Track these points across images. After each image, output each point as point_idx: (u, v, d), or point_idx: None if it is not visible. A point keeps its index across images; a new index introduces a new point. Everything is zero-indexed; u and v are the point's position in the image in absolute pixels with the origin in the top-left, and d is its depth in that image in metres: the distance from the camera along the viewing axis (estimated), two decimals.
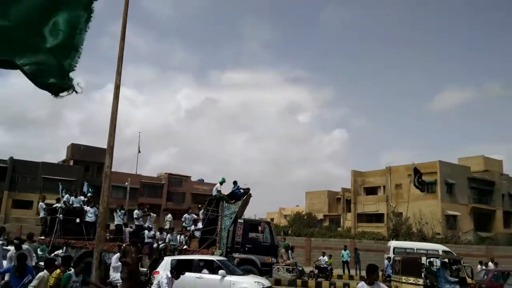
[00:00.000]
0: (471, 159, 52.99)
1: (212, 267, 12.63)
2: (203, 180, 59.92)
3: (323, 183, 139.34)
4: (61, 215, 16.11)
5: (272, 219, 62.13)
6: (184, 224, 17.80)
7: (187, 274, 11.93)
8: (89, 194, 18.45)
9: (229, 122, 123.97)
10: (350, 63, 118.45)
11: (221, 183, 16.82)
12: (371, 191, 53.79)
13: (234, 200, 16.31)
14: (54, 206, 16.77)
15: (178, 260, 14.97)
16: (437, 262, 13.45)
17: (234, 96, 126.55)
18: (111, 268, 10.89)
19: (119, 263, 10.81)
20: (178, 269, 8.35)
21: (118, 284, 10.50)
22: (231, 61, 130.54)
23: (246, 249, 15.90)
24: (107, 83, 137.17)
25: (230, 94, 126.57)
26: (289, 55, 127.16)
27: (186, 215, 18.15)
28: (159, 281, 7.80)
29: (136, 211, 17.49)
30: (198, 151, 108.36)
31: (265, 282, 12.60)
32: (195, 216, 17.44)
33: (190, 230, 16.92)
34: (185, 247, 15.86)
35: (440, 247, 28.10)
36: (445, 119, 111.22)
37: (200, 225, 16.55)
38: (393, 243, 27.91)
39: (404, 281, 12.22)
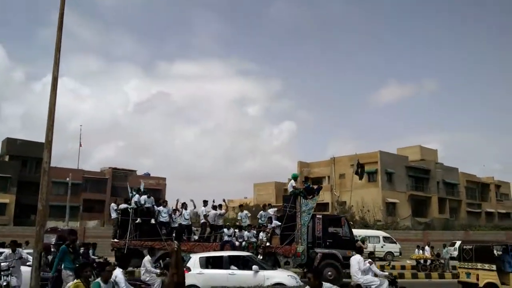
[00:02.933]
0: (409, 149, 55.80)
1: (240, 263, 12.49)
2: (149, 174, 58.70)
3: (272, 175, 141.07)
4: (138, 218, 15.97)
5: None
6: (259, 221, 17.43)
7: (218, 271, 11.95)
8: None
9: (178, 115, 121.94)
10: (298, 56, 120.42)
11: (295, 179, 16.45)
12: (317, 181, 55.21)
13: (312, 196, 16.27)
14: (124, 207, 16.32)
15: (131, 252, 14.71)
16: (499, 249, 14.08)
17: (183, 89, 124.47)
18: None
19: None
20: (124, 259, 8.11)
21: None
22: (180, 52, 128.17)
23: (327, 243, 15.92)
24: (47, 74, 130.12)
25: (179, 86, 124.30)
26: (239, 47, 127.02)
27: (261, 212, 17.70)
28: (115, 276, 7.28)
29: (203, 208, 16.98)
30: (146, 144, 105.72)
31: (297, 276, 12.66)
32: (270, 213, 17.06)
33: (269, 227, 16.51)
34: (267, 244, 15.71)
35: (381, 233, 29.58)
36: (386, 112, 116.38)
37: (276, 221, 16.32)
38: None
39: (480, 267, 12.99)
